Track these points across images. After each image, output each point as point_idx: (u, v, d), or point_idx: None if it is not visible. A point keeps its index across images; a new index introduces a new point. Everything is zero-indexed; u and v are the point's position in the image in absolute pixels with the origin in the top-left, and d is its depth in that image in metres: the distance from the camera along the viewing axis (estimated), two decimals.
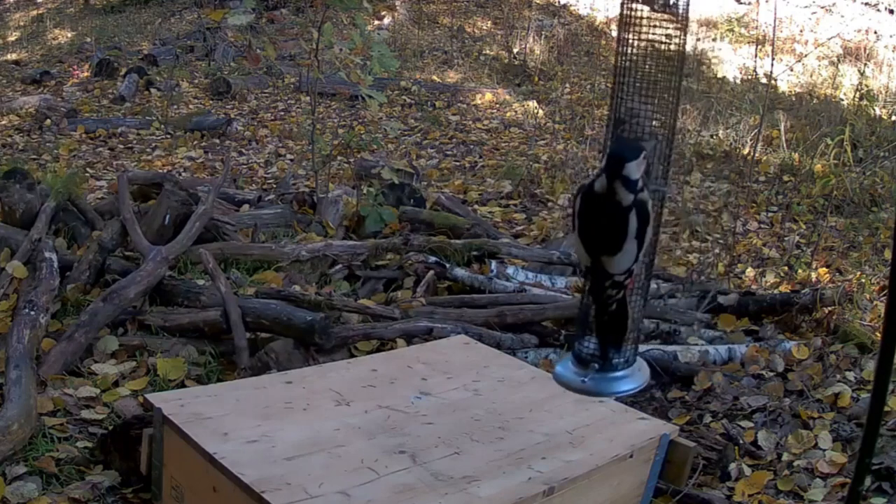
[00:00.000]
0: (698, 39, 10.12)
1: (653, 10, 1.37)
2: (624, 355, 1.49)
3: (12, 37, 11.82)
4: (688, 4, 1.38)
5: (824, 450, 2.78)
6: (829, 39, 9.37)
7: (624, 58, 1.40)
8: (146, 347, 3.21)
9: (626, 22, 1.39)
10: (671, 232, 5.04)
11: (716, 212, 5.39)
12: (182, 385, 2.99)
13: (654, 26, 1.38)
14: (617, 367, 1.48)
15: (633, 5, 1.38)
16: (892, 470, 2.58)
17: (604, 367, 1.48)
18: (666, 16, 1.38)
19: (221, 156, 6.71)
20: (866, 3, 10.81)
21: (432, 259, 3.97)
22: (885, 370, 1.22)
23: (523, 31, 10.54)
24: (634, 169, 1.33)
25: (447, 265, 3.95)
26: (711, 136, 6.86)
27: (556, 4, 11.78)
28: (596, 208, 1.38)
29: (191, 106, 8.33)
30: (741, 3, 11.31)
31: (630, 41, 1.39)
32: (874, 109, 7.33)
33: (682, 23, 1.39)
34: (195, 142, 7.09)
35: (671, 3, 1.37)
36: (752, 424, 2.96)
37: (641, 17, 1.38)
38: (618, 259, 1.39)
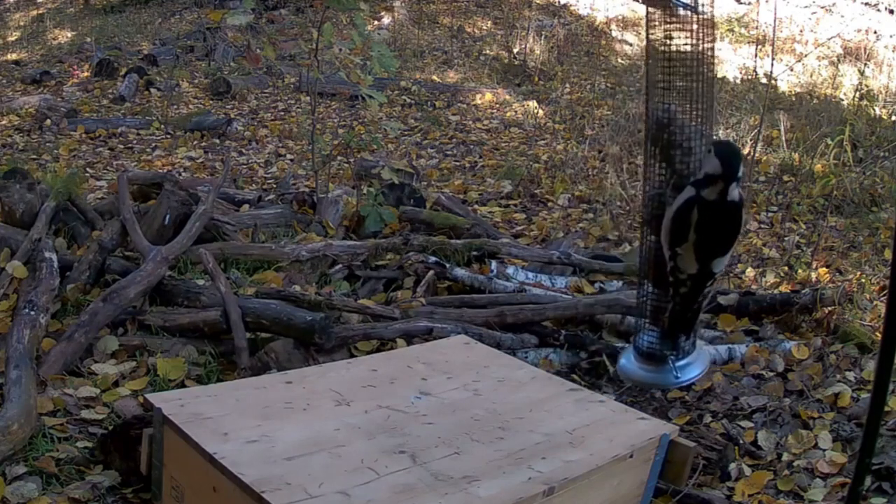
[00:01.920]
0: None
1: (677, 12, 1.38)
2: (691, 341, 1.54)
3: (12, 37, 11.82)
4: (713, 6, 1.40)
5: (824, 450, 2.78)
6: (829, 39, 9.38)
7: (659, 60, 1.42)
8: (146, 347, 3.21)
9: (651, 26, 1.41)
10: None
11: None
12: (182, 385, 2.99)
13: (681, 30, 1.40)
14: (688, 354, 1.52)
15: (657, 10, 1.39)
16: (892, 470, 2.58)
17: (678, 357, 1.51)
18: (694, 17, 1.39)
19: (221, 156, 6.72)
20: (866, 3, 10.81)
21: (432, 259, 3.97)
22: (885, 370, 1.22)
23: (523, 31, 10.54)
24: (741, 169, 1.41)
25: (447, 265, 3.95)
26: (712, 137, 6.85)
27: (556, 4, 11.78)
28: (716, 215, 1.40)
29: (191, 106, 8.33)
30: (741, 3, 11.32)
31: (660, 44, 1.41)
32: (874, 109, 7.33)
33: (709, 25, 1.41)
34: (195, 142, 7.09)
35: (696, 6, 1.39)
36: (752, 424, 2.96)
37: (666, 20, 1.40)
38: (726, 257, 1.45)
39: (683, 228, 1.41)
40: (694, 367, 1.55)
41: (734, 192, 1.40)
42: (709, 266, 1.44)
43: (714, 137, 1.50)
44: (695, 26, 1.40)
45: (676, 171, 1.47)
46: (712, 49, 1.42)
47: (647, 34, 1.43)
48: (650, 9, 1.40)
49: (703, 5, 1.40)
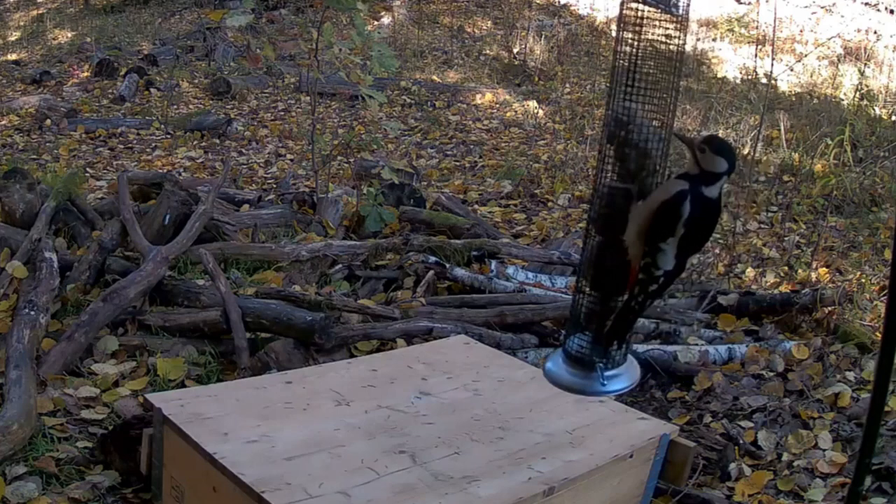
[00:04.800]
0: (698, 39, 10.12)
1: (654, 8, 1.37)
2: (622, 352, 1.49)
3: (12, 37, 11.82)
4: (688, 4, 1.38)
5: (824, 450, 2.78)
6: (829, 39, 9.38)
7: (623, 57, 1.40)
8: (146, 347, 3.21)
9: (625, 21, 1.39)
10: None
11: None
12: (182, 385, 2.99)
13: (654, 26, 1.38)
14: (618, 364, 1.48)
15: (634, 5, 1.37)
16: (892, 470, 2.58)
17: (607, 366, 1.47)
18: (666, 15, 1.37)
19: (221, 156, 6.72)
20: (866, 3, 10.81)
21: (432, 259, 3.97)
22: (885, 370, 1.22)
23: (523, 31, 10.54)
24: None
25: (447, 265, 3.95)
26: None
27: (557, 4, 11.78)
28: (706, 210, 1.39)
29: (191, 106, 8.33)
30: (741, 3, 11.31)
31: (629, 41, 1.39)
32: (874, 109, 7.33)
33: (682, 22, 1.38)
34: (195, 142, 7.09)
35: (672, 2, 1.37)
36: (752, 424, 2.96)
37: (641, 17, 1.38)
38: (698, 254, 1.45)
39: (671, 222, 1.37)
40: (623, 378, 1.48)
41: (721, 192, 1.41)
42: (684, 262, 1.42)
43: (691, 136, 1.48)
44: (668, 26, 1.38)
45: (629, 171, 1.44)
46: (682, 48, 1.40)
47: (619, 30, 1.40)
48: (634, 5, 1.38)
49: (674, 6, 1.38)
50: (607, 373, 1.46)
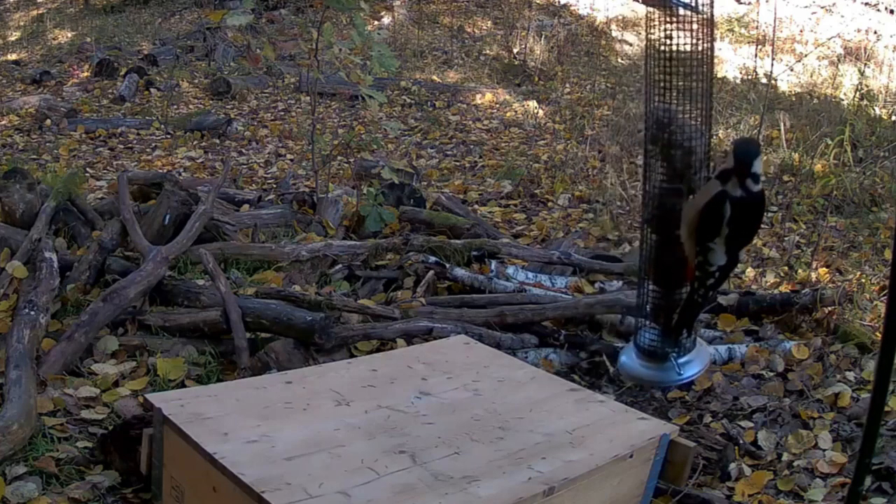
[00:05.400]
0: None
1: (678, 12, 1.39)
2: (692, 338, 1.55)
3: (12, 37, 11.82)
4: (712, 5, 1.41)
5: (824, 450, 2.78)
6: (829, 39, 9.38)
7: (658, 60, 1.44)
8: (146, 347, 3.21)
9: (651, 26, 1.42)
10: None
11: None
12: (182, 385, 2.99)
13: (681, 29, 1.41)
14: (690, 351, 1.55)
15: (657, 10, 1.40)
16: (892, 470, 2.58)
17: (679, 354, 1.53)
18: (693, 18, 1.40)
19: (221, 156, 6.72)
20: (866, 3, 10.81)
21: (432, 259, 3.97)
22: (885, 370, 1.22)
23: (523, 31, 10.54)
24: (759, 164, 1.43)
25: (447, 265, 3.95)
26: (712, 136, 6.85)
27: (557, 4, 11.78)
28: (746, 207, 1.44)
29: (191, 106, 8.33)
30: (741, 3, 11.31)
31: (661, 42, 1.42)
32: (874, 109, 7.32)
33: (708, 25, 1.42)
34: (195, 142, 7.09)
35: (696, 5, 1.40)
36: (752, 424, 2.96)
37: (666, 20, 1.41)
38: (750, 244, 1.51)
39: (715, 223, 1.44)
40: (695, 363, 1.57)
41: (756, 185, 1.44)
42: (736, 255, 1.50)
43: (723, 136, 1.53)
44: (695, 26, 1.41)
45: (676, 171, 1.49)
46: (711, 48, 1.43)
47: (647, 34, 1.43)
48: (649, 9, 1.41)
49: (702, 5, 1.40)
50: (680, 360, 1.53)
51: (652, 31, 1.43)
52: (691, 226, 1.46)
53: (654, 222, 1.54)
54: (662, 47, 1.43)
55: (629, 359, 1.59)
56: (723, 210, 1.42)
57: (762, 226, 5.18)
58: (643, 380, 1.58)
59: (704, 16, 1.42)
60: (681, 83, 1.45)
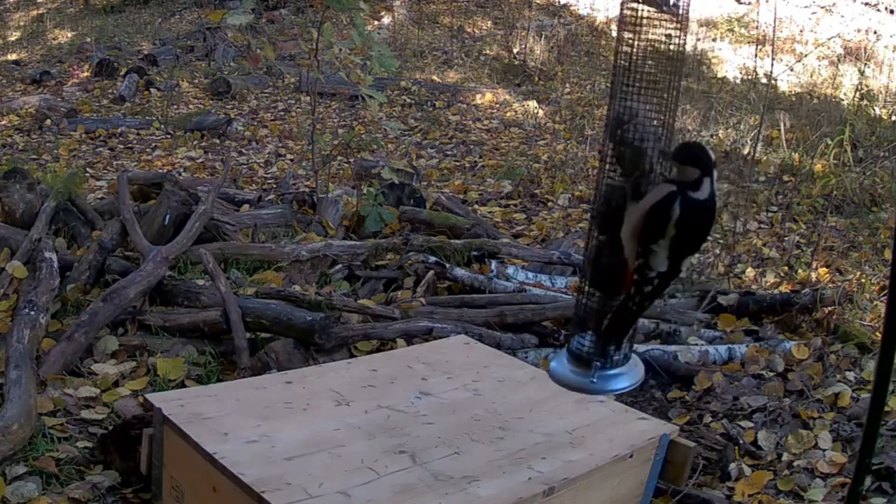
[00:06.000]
0: (698, 39, 10.11)
1: (654, 9, 1.37)
2: (623, 352, 1.49)
3: (12, 37, 11.82)
4: (688, 4, 1.39)
5: (824, 450, 2.78)
6: (829, 39, 9.37)
7: (623, 57, 1.40)
8: (146, 347, 3.21)
9: (626, 21, 1.39)
10: None
11: None
12: (182, 385, 2.99)
13: (654, 26, 1.38)
14: (617, 364, 1.48)
15: (634, 5, 1.38)
16: (892, 470, 2.58)
17: (605, 366, 1.47)
18: (666, 15, 1.38)
19: (221, 156, 6.72)
20: (866, 3, 10.81)
21: (432, 259, 3.97)
22: (885, 370, 1.22)
23: (523, 31, 10.54)
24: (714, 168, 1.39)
25: (447, 265, 3.95)
26: (711, 136, 6.86)
27: (557, 4, 11.78)
28: (698, 212, 1.40)
29: (191, 106, 8.33)
30: (741, 3, 11.31)
31: (630, 41, 1.39)
32: (874, 109, 7.32)
33: (683, 22, 1.39)
34: (195, 142, 7.09)
35: (672, 2, 1.37)
36: (752, 424, 2.96)
37: (641, 17, 1.38)
38: (694, 256, 1.44)
39: (661, 224, 1.38)
40: (623, 378, 1.48)
41: (713, 192, 1.40)
42: (679, 265, 1.43)
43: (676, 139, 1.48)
44: (668, 24, 1.39)
45: (625, 170, 1.45)
46: (683, 47, 1.40)
47: (620, 30, 1.41)
48: (634, 5, 1.38)
49: (677, 5, 1.38)
50: (606, 372, 1.47)
51: (624, 26, 1.41)
52: (636, 226, 1.40)
53: (598, 220, 1.48)
54: (630, 44, 1.40)
55: (559, 363, 1.50)
56: (670, 212, 1.37)
57: (762, 225, 5.21)
58: (567, 385, 1.49)
59: (677, 15, 1.39)
60: (645, 82, 1.41)
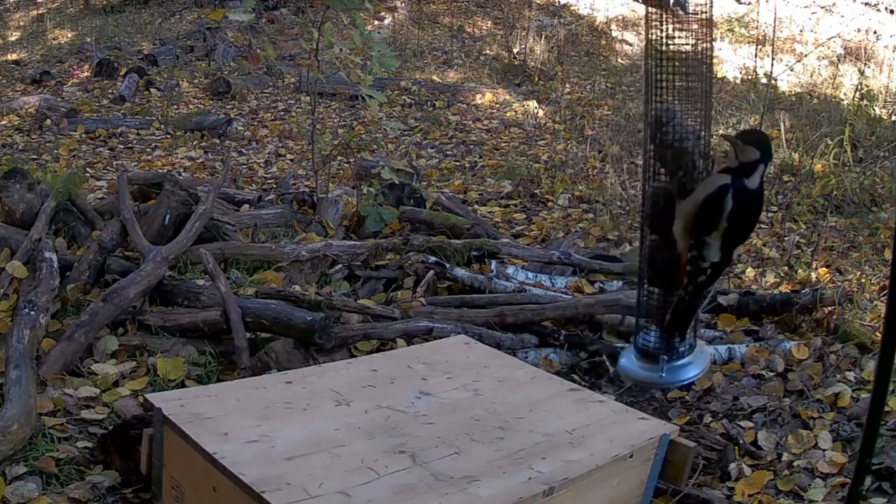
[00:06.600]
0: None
1: (677, 14, 1.40)
2: (688, 342, 1.54)
3: (12, 37, 11.82)
4: (711, 7, 1.42)
5: (824, 450, 2.78)
6: (829, 39, 9.38)
7: (657, 61, 1.44)
8: (146, 347, 3.21)
9: (651, 26, 1.42)
10: None
11: None
12: (182, 385, 2.99)
13: (680, 29, 1.41)
14: (684, 355, 1.54)
15: (657, 11, 1.40)
16: (892, 470, 2.58)
17: (671, 358, 1.52)
18: (693, 18, 1.41)
19: (221, 156, 6.72)
20: (866, 3, 10.81)
21: (432, 259, 3.97)
22: (885, 370, 1.22)
23: (523, 31, 10.54)
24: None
25: (447, 265, 3.95)
26: (712, 136, 6.85)
27: (557, 4, 11.78)
28: (748, 202, 1.44)
29: (191, 106, 8.33)
30: (741, 3, 11.31)
31: (660, 44, 1.42)
32: (874, 109, 7.32)
33: (708, 25, 1.42)
34: (195, 142, 7.09)
35: (672, 2, 1.39)
36: (752, 424, 2.96)
37: (666, 20, 1.41)
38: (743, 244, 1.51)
39: (715, 216, 1.43)
40: (692, 367, 1.56)
41: (762, 179, 1.46)
42: (730, 254, 1.48)
43: (712, 134, 1.51)
44: (694, 26, 1.41)
45: (668, 170, 1.49)
46: (710, 48, 1.43)
47: (647, 34, 1.44)
48: (650, 8, 1.41)
49: (699, 5, 1.41)
50: (674, 363, 1.53)
51: (652, 30, 1.44)
52: (688, 220, 1.45)
53: (649, 221, 1.54)
54: (661, 47, 1.43)
55: (628, 360, 1.60)
56: (724, 203, 1.42)
57: (762, 225, 5.21)
58: (640, 381, 1.58)
59: (702, 16, 1.42)
60: (679, 83, 1.45)
